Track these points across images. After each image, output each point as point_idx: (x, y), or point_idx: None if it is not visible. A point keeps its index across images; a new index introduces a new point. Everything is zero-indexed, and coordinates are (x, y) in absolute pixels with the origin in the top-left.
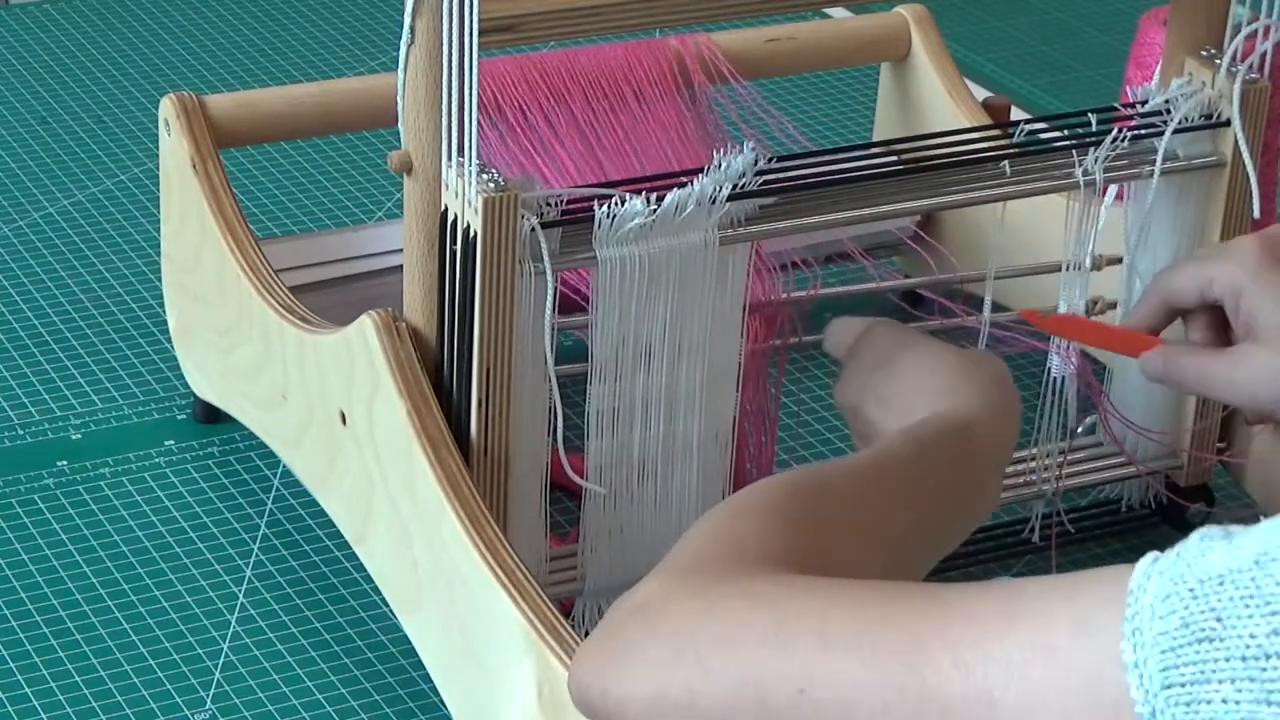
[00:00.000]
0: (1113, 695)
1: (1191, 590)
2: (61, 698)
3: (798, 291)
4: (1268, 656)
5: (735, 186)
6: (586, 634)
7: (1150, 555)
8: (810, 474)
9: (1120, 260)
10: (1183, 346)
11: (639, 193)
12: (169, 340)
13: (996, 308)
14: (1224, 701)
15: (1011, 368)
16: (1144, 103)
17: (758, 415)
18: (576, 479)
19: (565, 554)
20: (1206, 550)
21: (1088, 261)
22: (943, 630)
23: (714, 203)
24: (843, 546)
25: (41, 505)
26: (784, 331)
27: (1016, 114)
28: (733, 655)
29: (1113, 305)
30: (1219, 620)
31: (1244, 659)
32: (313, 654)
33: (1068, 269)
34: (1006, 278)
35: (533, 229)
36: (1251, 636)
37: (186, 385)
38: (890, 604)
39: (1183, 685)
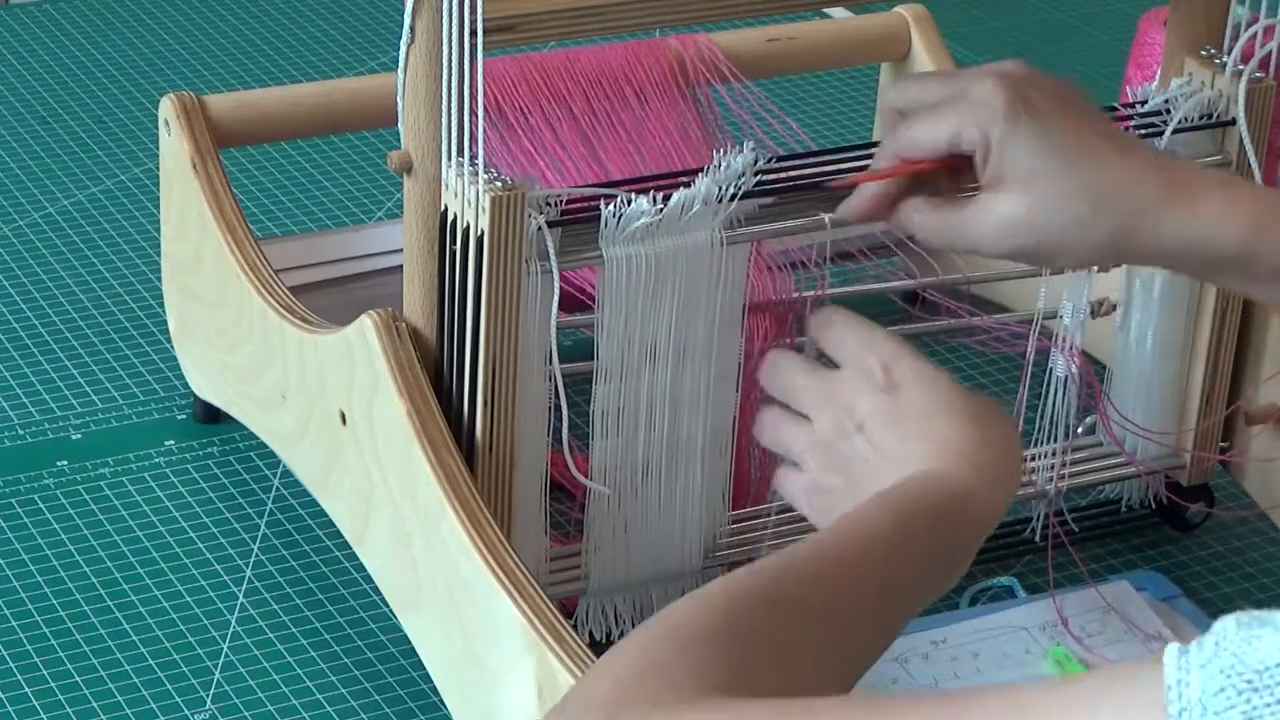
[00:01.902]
0: None
1: (1250, 682)
2: (61, 698)
3: (806, 291)
4: None
5: (740, 186)
6: (590, 635)
7: (1173, 647)
8: (760, 582)
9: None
10: (927, 199)
11: (642, 192)
12: (169, 340)
13: (997, 308)
14: None
15: (1011, 368)
16: (1144, 103)
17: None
18: (580, 478)
19: (566, 554)
20: (1252, 639)
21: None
22: None
23: (720, 202)
24: (799, 660)
25: (41, 505)
26: (793, 330)
27: None
28: None
29: (1114, 307)
30: None
31: None
32: (313, 654)
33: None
34: (1013, 279)
35: (539, 228)
36: None
37: (186, 385)
38: None
39: None
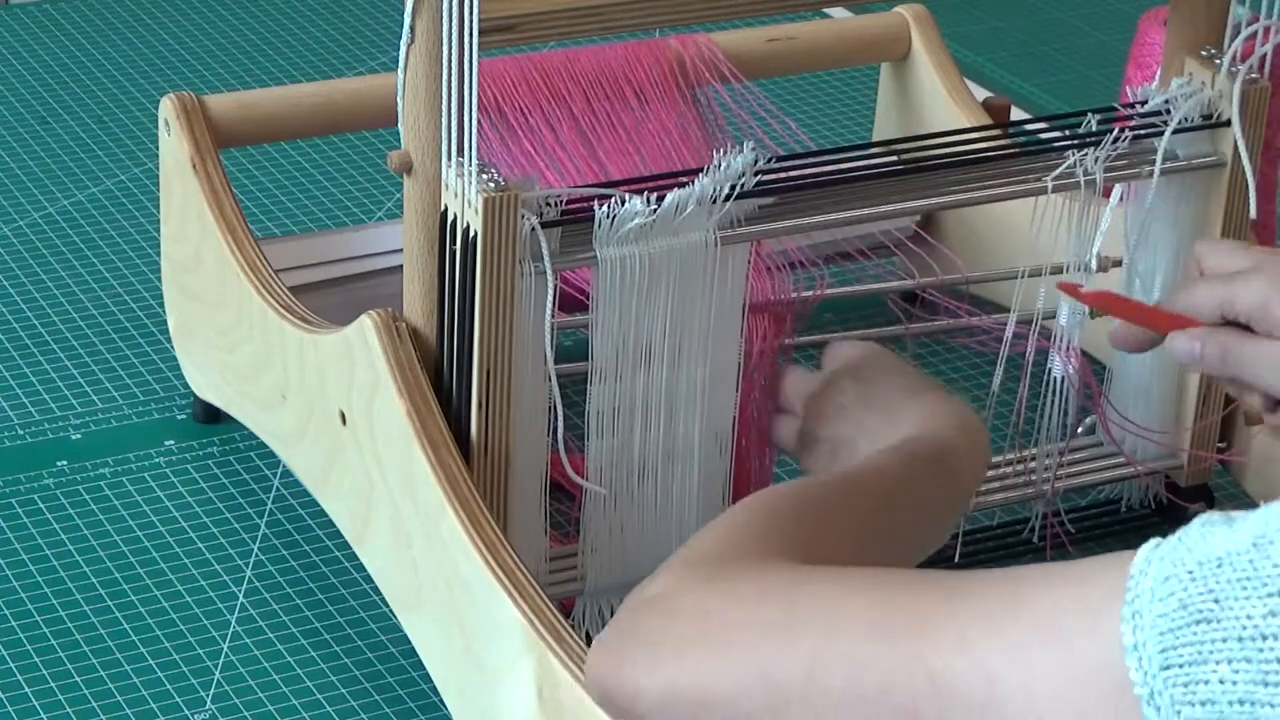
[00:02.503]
0: (1114, 678)
1: (1190, 572)
2: (61, 698)
3: (805, 291)
4: (1264, 637)
5: (735, 186)
6: (587, 634)
7: (1153, 541)
8: (809, 483)
9: (1120, 263)
10: (1223, 328)
11: (639, 192)
12: (169, 340)
13: (996, 308)
14: (1221, 682)
15: (1010, 368)
16: (1144, 103)
17: (762, 416)
18: (577, 479)
19: (565, 554)
20: (1207, 534)
21: (1093, 264)
22: (948, 613)
23: (714, 202)
24: (842, 549)
25: (41, 505)
26: (791, 330)
27: (1016, 114)
28: (742, 640)
29: None
30: (1216, 602)
31: (1240, 640)
32: (313, 654)
33: (1069, 270)
34: (1008, 279)
35: (533, 229)
36: (1249, 617)
37: (186, 385)
38: (897, 588)
39: (1180, 666)
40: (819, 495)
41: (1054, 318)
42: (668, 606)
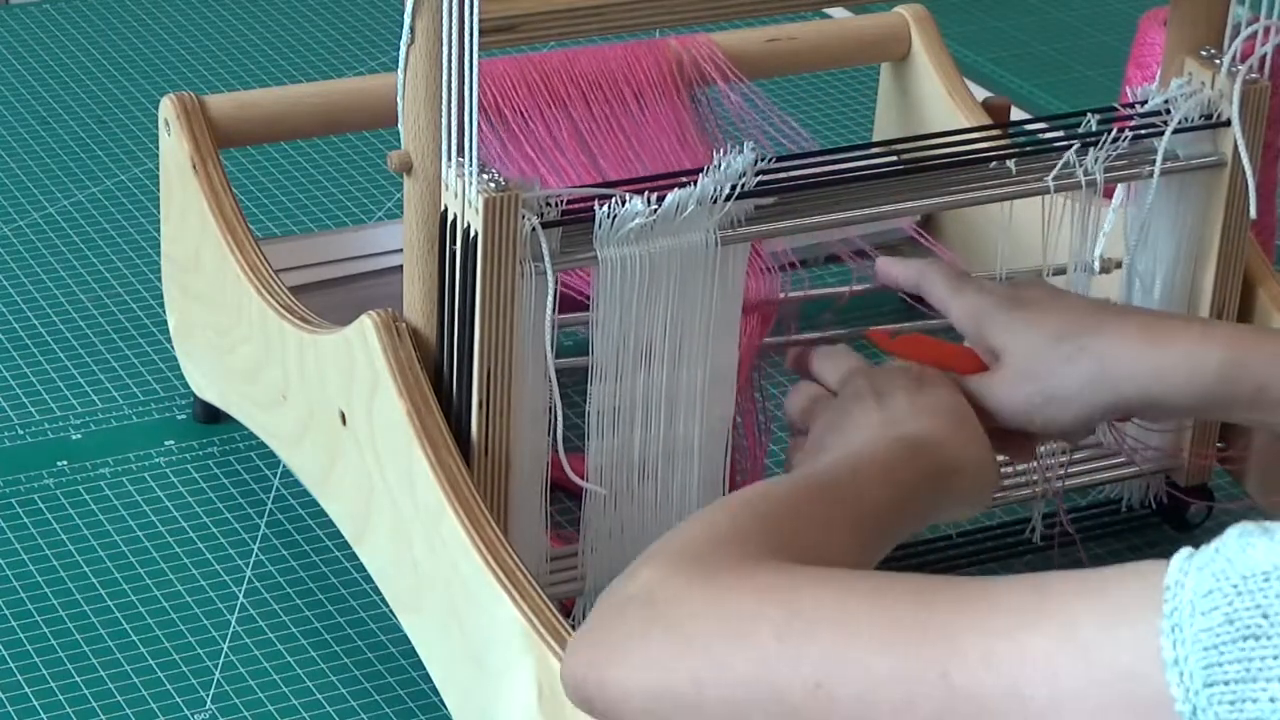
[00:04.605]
0: (1149, 692)
1: (1235, 587)
2: (61, 698)
3: (794, 291)
4: None
5: (735, 186)
6: None
7: (1185, 550)
8: (788, 480)
9: (1121, 265)
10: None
11: (639, 193)
12: (169, 340)
13: None
14: (1272, 700)
15: None
16: (1144, 103)
17: (749, 414)
18: (576, 479)
19: (565, 554)
20: (1247, 546)
21: (1096, 265)
22: (970, 624)
23: (714, 203)
24: (838, 539)
25: (41, 505)
26: (780, 330)
27: (1016, 114)
28: (745, 648)
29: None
30: (1265, 617)
31: None
32: (313, 654)
33: (1073, 270)
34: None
35: (533, 229)
36: None
37: (186, 385)
38: (910, 596)
39: (1226, 683)
40: (800, 492)
41: None
42: (654, 608)
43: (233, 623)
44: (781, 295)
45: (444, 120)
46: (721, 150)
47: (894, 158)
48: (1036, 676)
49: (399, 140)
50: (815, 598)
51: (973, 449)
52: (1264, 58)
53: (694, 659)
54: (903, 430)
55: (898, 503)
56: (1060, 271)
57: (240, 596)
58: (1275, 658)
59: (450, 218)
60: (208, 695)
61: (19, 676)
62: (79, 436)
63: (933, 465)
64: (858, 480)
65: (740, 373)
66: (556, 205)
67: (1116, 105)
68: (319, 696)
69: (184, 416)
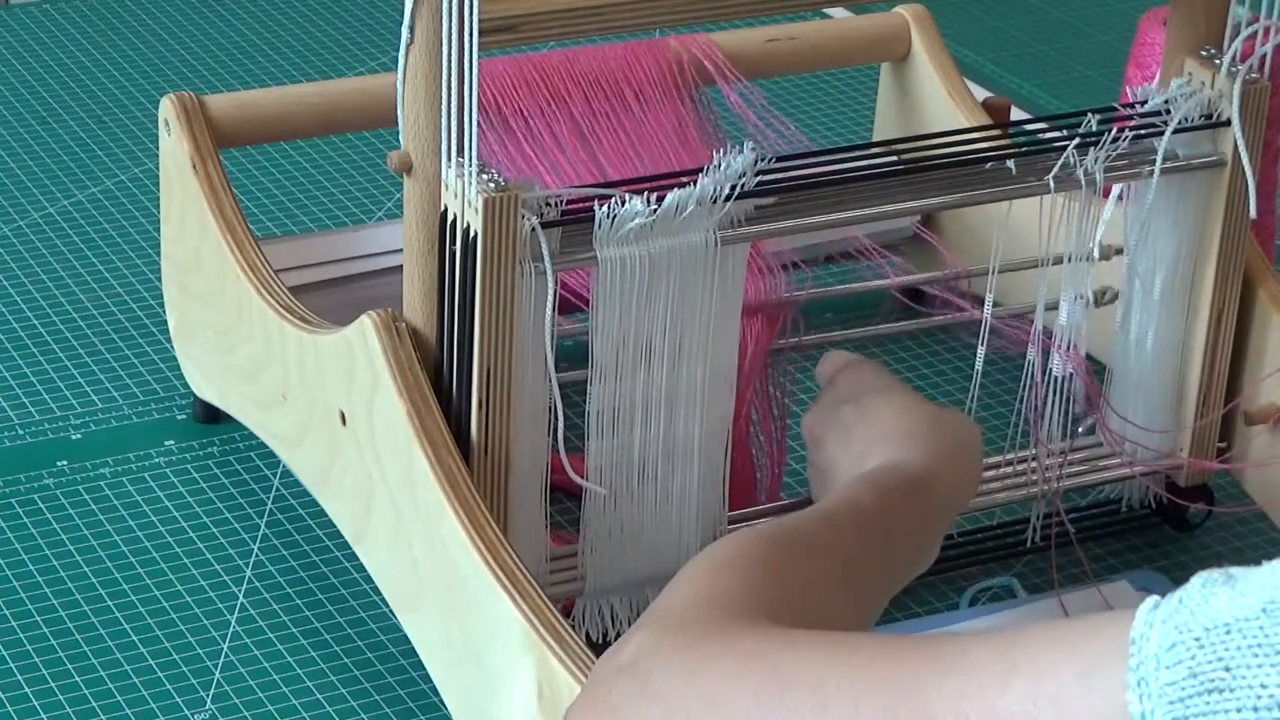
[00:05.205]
0: None
1: (1198, 640)
2: (61, 698)
3: (798, 291)
4: None
5: (735, 186)
6: (587, 634)
7: (1150, 600)
8: (785, 526)
9: (1122, 250)
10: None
11: (639, 193)
12: (169, 340)
13: (997, 305)
14: None
15: (1011, 367)
16: (1144, 103)
17: (764, 416)
18: (577, 479)
19: (565, 554)
20: (1209, 597)
21: (1095, 253)
22: (942, 682)
23: (714, 203)
24: (822, 595)
25: (41, 505)
26: (786, 331)
27: (1016, 114)
28: (725, 714)
29: (1116, 297)
30: (1228, 670)
31: (1255, 709)
32: (313, 654)
33: (1070, 260)
34: (1009, 271)
35: (533, 229)
36: (1263, 686)
37: (186, 385)
38: (886, 657)
39: None
40: (802, 541)
41: (1055, 308)
42: (644, 675)
43: (233, 623)
44: (787, 296)
45: (444, 120)
46: (721, 150)
47: (894, 158)
48: None
49: (399, 140)
50: (793, 662)
51: (949, 438)
52: (1264, 58)
53: None
54: (865, 464)
55: (877, 541)
56: (1059, 261)
57: (240, 596)
58: (1239, 710)
59: (450, 218)
60: (208, 695)
61: (19, 676)
62: (79, 436)
63: (906, 485)
64: (835, 532)
65: (751, 377)
66: (556, 205)
67: (1116, 105)
68: (319, 696)
69: (184, 416)
